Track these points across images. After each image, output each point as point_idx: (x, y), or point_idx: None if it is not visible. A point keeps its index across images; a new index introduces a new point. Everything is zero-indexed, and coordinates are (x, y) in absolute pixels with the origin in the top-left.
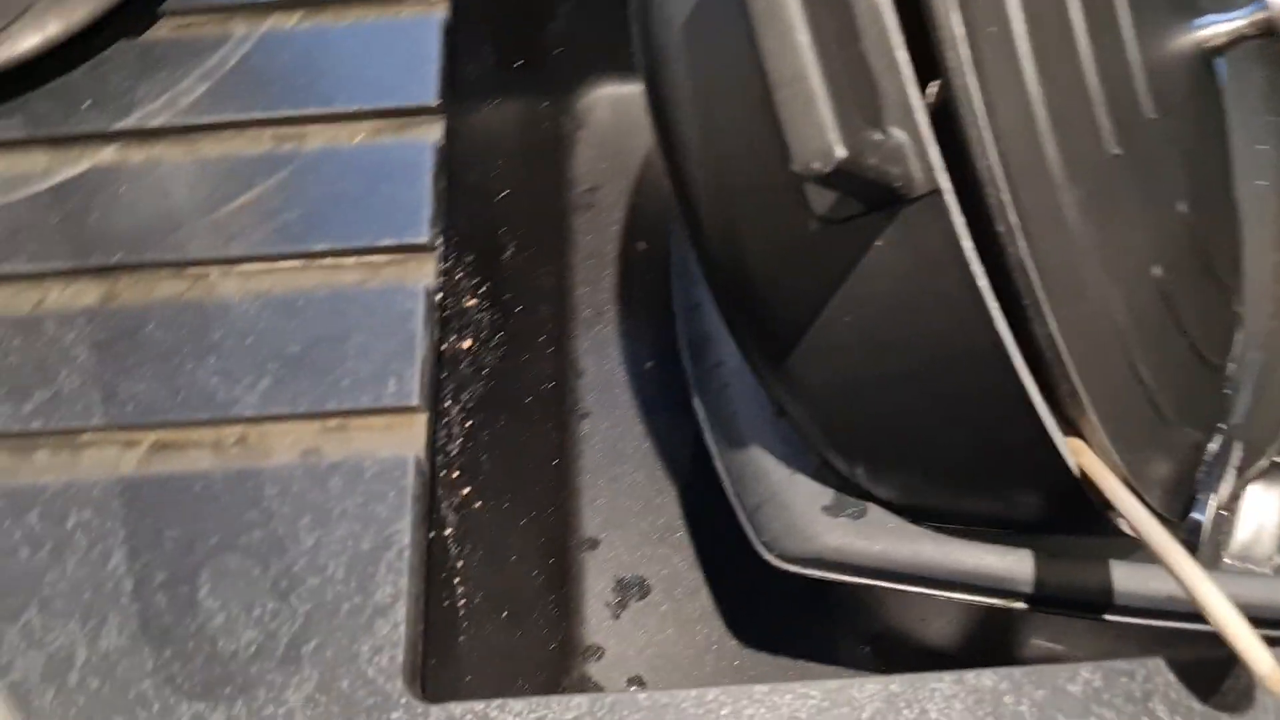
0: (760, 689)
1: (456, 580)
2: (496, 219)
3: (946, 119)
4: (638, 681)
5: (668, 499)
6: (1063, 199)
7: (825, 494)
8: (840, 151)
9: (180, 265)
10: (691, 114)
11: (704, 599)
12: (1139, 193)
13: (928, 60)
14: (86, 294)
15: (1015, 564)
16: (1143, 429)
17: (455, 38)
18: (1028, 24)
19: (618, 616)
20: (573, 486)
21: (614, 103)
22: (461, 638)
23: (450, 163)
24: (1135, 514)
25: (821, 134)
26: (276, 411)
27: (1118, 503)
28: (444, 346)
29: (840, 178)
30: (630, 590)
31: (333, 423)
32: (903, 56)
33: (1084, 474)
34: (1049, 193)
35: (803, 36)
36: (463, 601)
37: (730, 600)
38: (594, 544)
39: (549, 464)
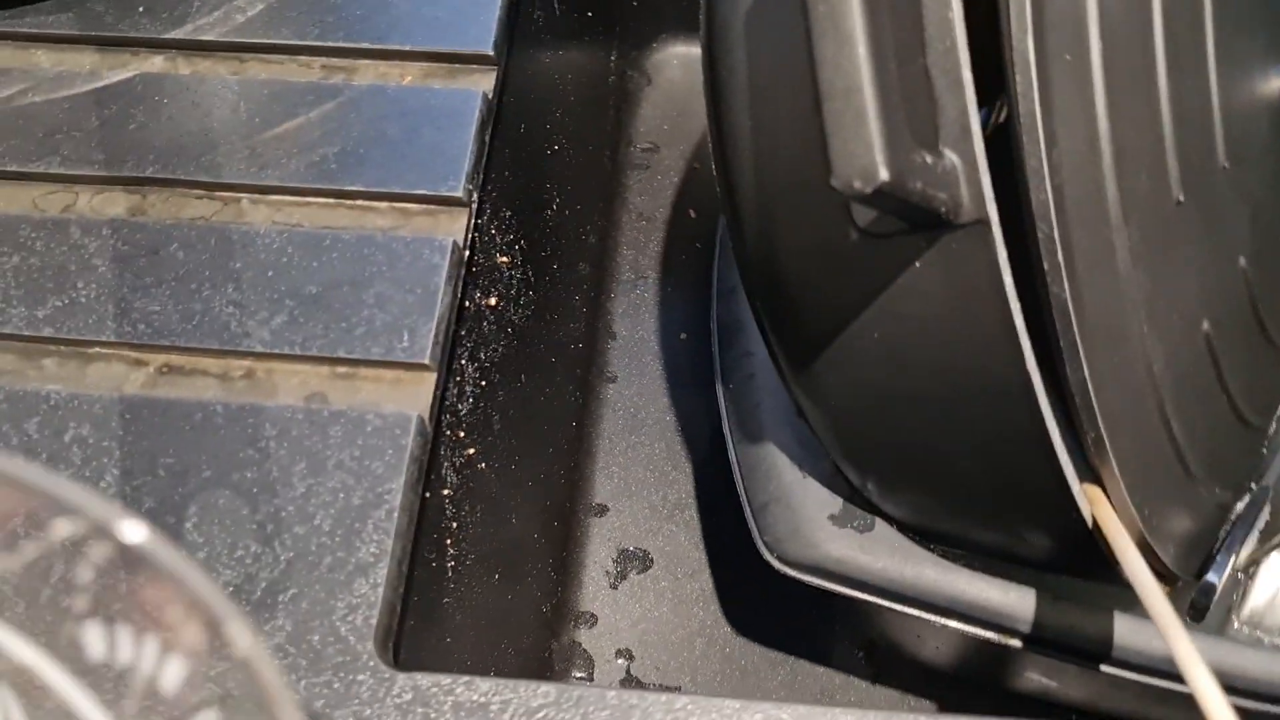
0: (731, 704)
1: (449, 541)
2: (544, 173)
3: (1001, 145)
4: (626, 654)
5: (683, 475)
6: (1116, 241)
7: (834, 502)
8: (884, 174)
9: (211, 187)
10: (744, 99)
11: (704, 581)
12: (1198, 243)
13: (984, 84)
14: (115, 204)
15: (1017, 601)
16: (1167, 484)
17: None
18: (1106, 54)
19: (615, 587)
20: (588, 450)
21: (686, 63)
22: (446, 599)
23: (500, 113)
24: (1137, 575)
25: (868, 152)
26: (287, 351)
27: (1122, 559)
28: (467, 303)
29: (881, 199)
30: (632, 562)
31: (341, 370)
32: (968, 76)
33: (1097, 524)
34: (1102, 234)
35: (861, 48)
36: (452, 563)
37: (730, 587)
38: (602, 511)
39: (567, 426)
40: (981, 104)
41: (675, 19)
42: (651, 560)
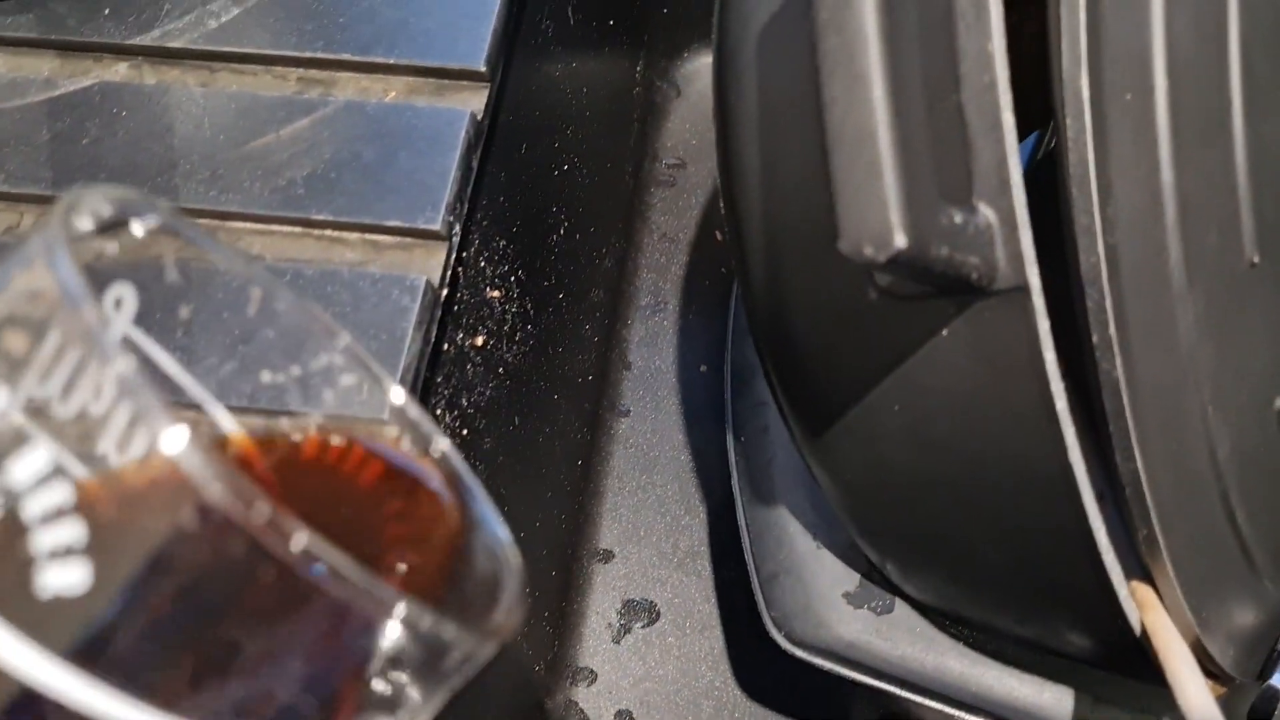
0: None
1: None
2: (550, 196)
3: (1044, 190)
4: (626, 716)
5: (696, 521)
6: (1178, 310)
7: (850, 578)
8: (901, 240)
9: None
10: (753, 130)
11: (714, 638)
12: (1274, 309)
13: (1029, 116)
14: None
15: (1052, 702)
16: (1228, 581)
17: None
18: (1173, 93)
19: (618, 641)
20: (595, 491)
21: None
22: None
23: (494, 135)
24: (1188, 696)
25: (882, 214)
26: (233, 403)
27: (1173, 679)
28: (446, 345)
29: (899, 267)
30: (637, 614)
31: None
32: (1008, 119)
33: (1145, 631)
34: (1163, 301)
35: (878, 90)
36: None
37: (742, 645)
38: (607, 556)
39: (572, 465)
40: (1026, 130)
41: (708, 27)
42: (659, 613)
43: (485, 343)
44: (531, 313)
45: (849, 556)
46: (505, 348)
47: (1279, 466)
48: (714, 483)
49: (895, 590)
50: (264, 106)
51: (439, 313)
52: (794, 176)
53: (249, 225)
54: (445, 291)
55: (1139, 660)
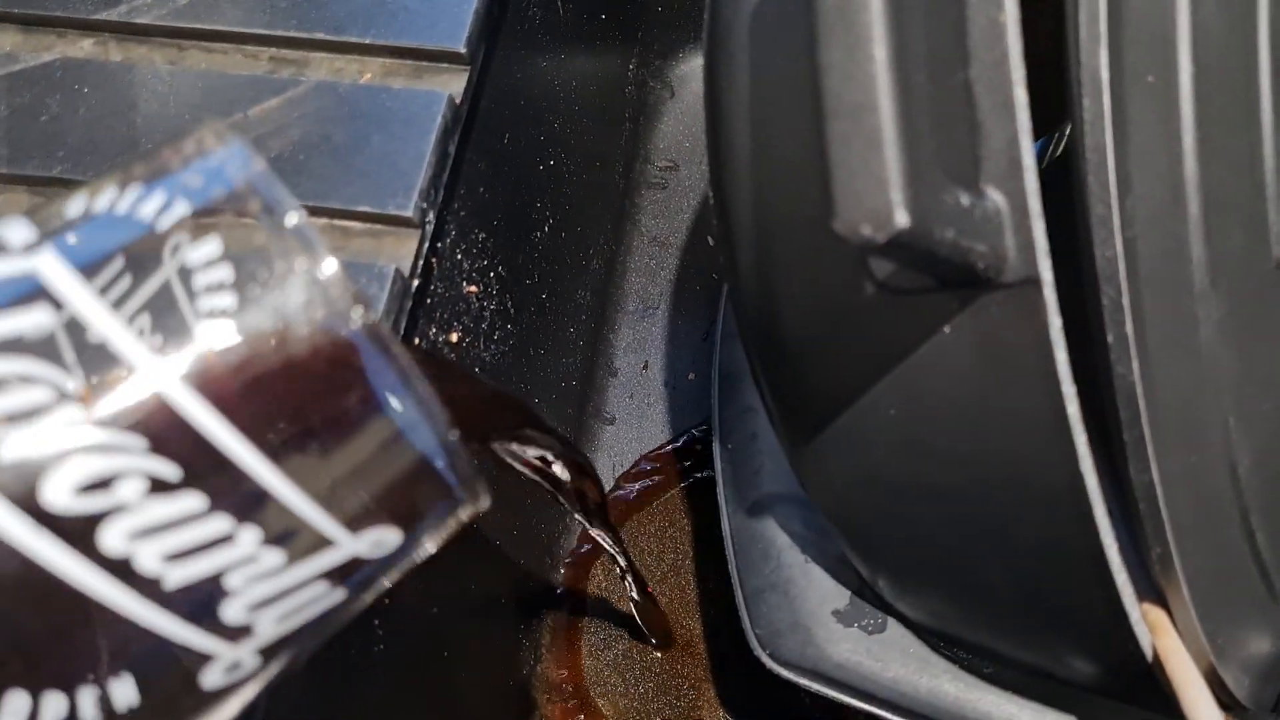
0: None
1: (377, 647)
2: (535, 191)
3: (1057, 187)
4: None
5: (681, 534)
6: (1199, 312)
7: (841, 595)
8: (902, 219)
9: None
10: (745, 116)
11: (698, 656)
12: None
13: (1042, 112)
14: (16, 207)
15: None
16: (1245, 607)
17: None
18: (1198, 80)
19: (599, 657)
20: None
21: None
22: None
23: (475, 120)
24: None
25: (881, 190)
26: None
27: (1187, 707)
28: (417, 340)
29: (899, 250)
30: (619, 629)
31: None
32: (1021, 95)
33: (1157, 657)
34: (1183, 302)
35: (880, 52)
36: (381, 668)
37: (729, 666)
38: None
39: None
40: (1037, 135)
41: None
42: (642, 630)
43: (460, 339)
44: (512, 311)
45: (839, 572)
46: (482, 346)
47: None
48: (701, 495)
49: (888, 608)
50: (233, 85)
51: (409, 303)
52: (787, 161)
53: None
54: (417, 282)
55: (1147, 688)
